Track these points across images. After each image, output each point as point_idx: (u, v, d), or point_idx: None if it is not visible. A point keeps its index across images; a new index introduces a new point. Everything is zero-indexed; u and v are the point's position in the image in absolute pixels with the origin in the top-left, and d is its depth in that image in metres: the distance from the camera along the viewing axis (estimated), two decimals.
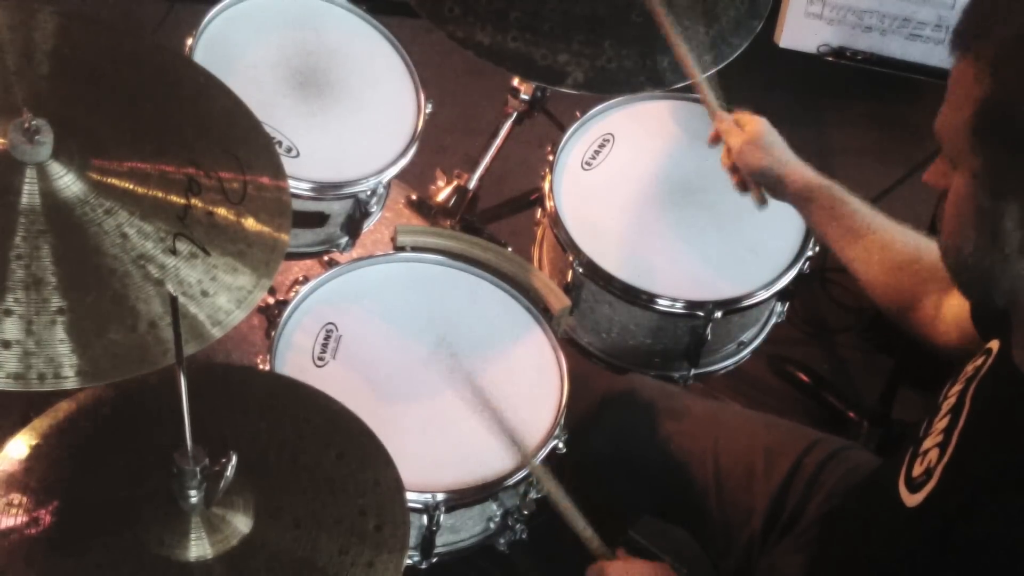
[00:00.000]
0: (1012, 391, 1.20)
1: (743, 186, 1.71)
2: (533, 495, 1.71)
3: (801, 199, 1.64)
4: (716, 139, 1.73)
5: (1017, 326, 1.19)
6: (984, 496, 1.15)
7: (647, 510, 1.85)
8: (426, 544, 1.63)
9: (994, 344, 1.26)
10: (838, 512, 1.54)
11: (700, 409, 1.76)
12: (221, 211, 1.31)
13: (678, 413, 1.74)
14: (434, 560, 1.66)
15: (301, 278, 1.81)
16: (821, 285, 2.70)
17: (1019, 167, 1.09)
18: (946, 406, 1.28)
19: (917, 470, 1.26)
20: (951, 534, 1.17)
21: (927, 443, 1.27)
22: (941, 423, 1.27)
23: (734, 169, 1.70)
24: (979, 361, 1.27)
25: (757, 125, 1.68)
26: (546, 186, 1.92)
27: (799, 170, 1.64)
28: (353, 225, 1.90)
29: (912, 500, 1.25)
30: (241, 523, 1.26)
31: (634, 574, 1.50)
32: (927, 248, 1.53)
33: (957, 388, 1.28)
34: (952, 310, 1.49)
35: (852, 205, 1.59)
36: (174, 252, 1.25)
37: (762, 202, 1.70)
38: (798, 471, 1.64)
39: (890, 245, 1.56)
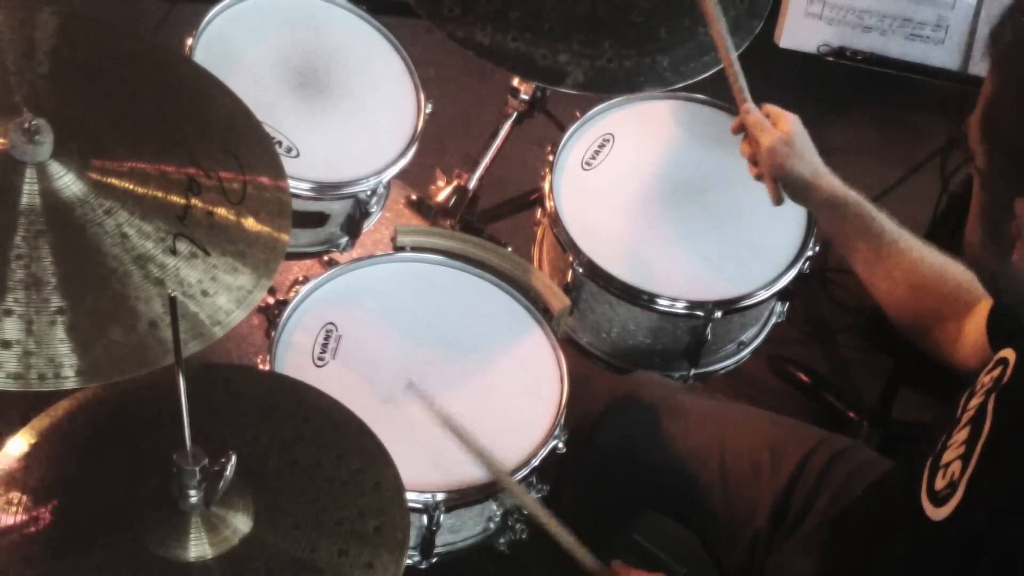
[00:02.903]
0: None
1: (760, 178, 1.68)
2: (533, 495, 1.71)
3: (828, 209, 1.62)
4: (740, 128, 1.70)
5: None
6: (1016, 507, 1.15)
7: (651, 507, 1.85)
8: (426, 544, 1.63)
9: (1009, 354, 1.26)
10: (851, 517, 1.53)
11: (705, 407, 1.76)
12: (221, 211, 1.31)
13: (683, 411, 1.74)
14: (434, 560, 1.66)
15: (301, 278, 1.80)
16: (821, 285, 2.70)
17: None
18: (966, 418, 1.27)
19: (940, 483, 1.25)
20: (983, 547, 1.16)
21: (947, 455, 1.26)
22: (961, 434, 1.26)
23: (755, 161, 1.67)
24: (995, 372, 1.27)
25: (790, 124, 1.64)
26: (546, 186, 1.92)
27: (829, 179, 1.62)
28: (353, 225, 1.90)
29: (938, 514, 1.23)
30: (241, 524, 1.26)
31: None
32: (952, 270, 1.53)
33: (976, 401, 1.27)
34: (972, 333, 1.48)
35: (881, 222, 1.57)
36: (174, 252, 1.25)
37: (778, 201, 1.67)
38: (804, 469, 1.64)
39: (916, 266, 1.55)
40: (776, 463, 1.65)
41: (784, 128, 1.64)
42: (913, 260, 1.55)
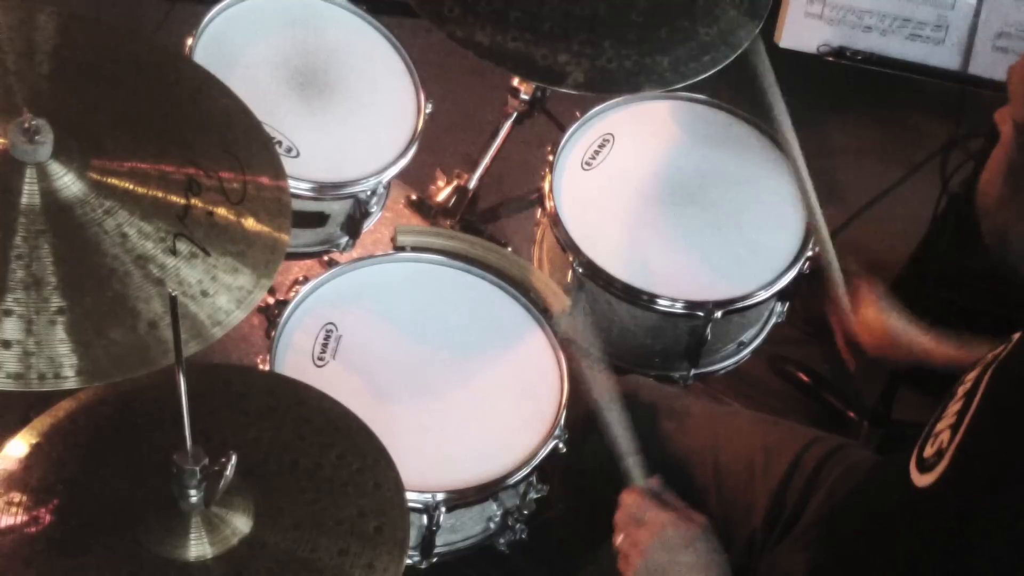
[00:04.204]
0: None
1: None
2: (533, 495, 1.71)
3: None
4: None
5: None
6: (1000, 477, 1.15)
7: None
8: (426, 544, 1.63)
9: (1015, 336, 1.27)
10: (842, 508, 1.54)
11: (699, 409, 1.76)
12: (221, 211, 1.31)
13: (678, 413, 1.74)
14: (434, 560, 1.66)
15: (301, 278, 1.81)
16: (821, 285, 2.69)
17: None
18: (961, 391, 1.28)
19: (928, 451, 1.26)
20: (966, 515, 1.17)
21: (939, 426, 1.27)
22: (955, 406, 1.26)
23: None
24: (999, 350, 1.27)
25: (876, 318, 1.72)
26: (546, 186, 1.92)
27: (933, 349, 1.66)
28: (353, 225, 1.90)
29: (923, 480, 1.24)
30: (241, 524, 1.26)
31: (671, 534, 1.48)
32: None
33: (973, 373, 1.28)
34: None
35: None
36: (174, 252, 1.25)
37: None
38: (798, 468, 1.64)
39: None
40: (769, 464, 1.65)
41: (871, 325, 1.71)
42: None
